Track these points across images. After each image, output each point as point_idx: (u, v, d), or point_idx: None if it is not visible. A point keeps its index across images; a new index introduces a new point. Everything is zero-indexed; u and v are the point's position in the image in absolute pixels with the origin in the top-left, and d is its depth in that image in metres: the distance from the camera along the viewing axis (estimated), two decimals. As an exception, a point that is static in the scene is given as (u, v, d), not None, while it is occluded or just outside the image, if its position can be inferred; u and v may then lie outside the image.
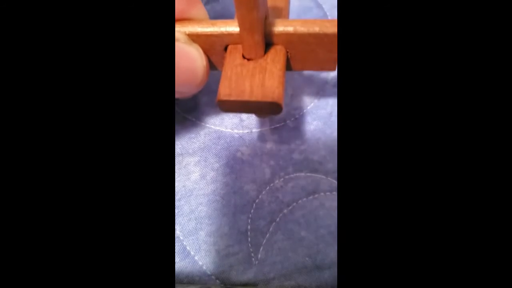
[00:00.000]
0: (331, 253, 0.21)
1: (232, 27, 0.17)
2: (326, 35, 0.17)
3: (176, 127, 0.25)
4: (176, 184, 0.24)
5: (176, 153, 0.24)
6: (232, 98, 0.15)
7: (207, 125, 0.25)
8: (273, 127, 0.24)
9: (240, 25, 0.15)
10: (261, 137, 0.24)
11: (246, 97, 0.14)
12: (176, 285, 0.21)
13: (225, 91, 0.15)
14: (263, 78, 0.16)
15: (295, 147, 0.24)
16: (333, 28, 0.17)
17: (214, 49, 0.18)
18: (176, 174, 0.24)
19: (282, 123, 0.24)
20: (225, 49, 0.18)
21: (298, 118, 0.24)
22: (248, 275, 0.21)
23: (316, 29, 0.17)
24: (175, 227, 0.23)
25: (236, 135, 0.24)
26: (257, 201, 0.23)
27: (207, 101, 0.25)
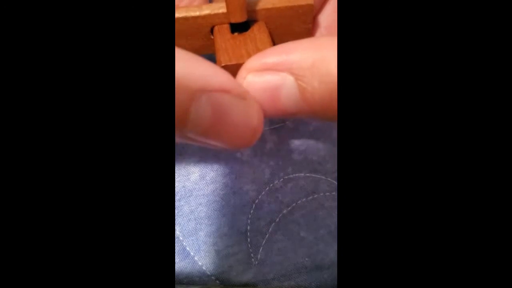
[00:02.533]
0: (331, 253, 0.21)
1: (217, 9, 0.18)
2: (300, 7, 0.19)
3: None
4: (176, 184, 0.24)
5: (176, 154, 0.24)
6: (233, 62, 0.16)
7: (207, 125, 0.25)
8: (272, 127, 0.24)
9: None
10: (261, 138, 0.24)
11: (245, 59, 0.15)
12: (176, 285, 0.21)
13: (224, 58, 0.17)
14: (255, 44, 0.18)
15: (295, 147, 0.24)
16: (306, 0, 0.19)
17: (201, 32, 0.19)
18: (175, 174, 0.24)
19: (282, 124, 0.24)
20: (211, 31, 0.19)
21: (297, 119, 0.25)
22: (247, 276, 0.21)
23: (291, 2, 0.19)
24: (175, 227, 0.23)
25: (236, 136, 0.24)
26: (256, 201, 0.23)
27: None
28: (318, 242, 0.21)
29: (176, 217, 0.23)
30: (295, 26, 0.20)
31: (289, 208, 0.23)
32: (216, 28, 0.19)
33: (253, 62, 0.13)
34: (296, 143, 0.24)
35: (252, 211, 0.23)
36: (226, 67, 0.16)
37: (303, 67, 0.13)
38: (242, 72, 0.14)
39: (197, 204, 0.23)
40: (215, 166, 0.24)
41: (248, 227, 0.22)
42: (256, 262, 0.21)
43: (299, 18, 0.19)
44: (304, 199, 0.23)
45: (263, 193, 0.23)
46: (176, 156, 0.24)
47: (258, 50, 0.17)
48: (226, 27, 0.19)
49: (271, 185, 0.23)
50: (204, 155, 0.24)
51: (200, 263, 0.22)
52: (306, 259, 0.21)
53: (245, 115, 0.13)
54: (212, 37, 0.19)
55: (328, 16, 0.21)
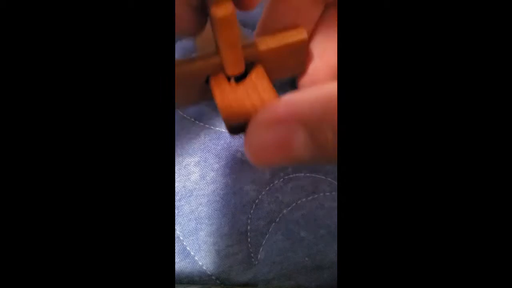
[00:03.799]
0: (331, 253, 0.21)
1: (211, 59, 0.18)
2: (294, 43, 0.19)
3: (176, 128, 0.25)
4: (176, 184, 0.24)
5: (176, 154, 0.24)
6: (241, 121, 0.16)
7: (207, 125, 0.25)
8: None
9: (222, 44, 0.16)
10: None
11: (252, 114, 0.15)
12: (176, 285, 0.21)
13: (231, 117, 0.16)
14: (258, 94, 0.17)
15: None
16: (299, 35, 0.19)
17: (196, 82, 0.18)
18: (176, 174, 0.24)
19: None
20: (206, 81, 0.18)
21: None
22: (248, 275, 0.21)
23: (285, 40, 0.18)
24: (175, 227, 0.23)
25: (236, 136, 0.24)
26: (257, 201, 0.23)
27: (207, 101, 0.25)
28: (318, 242, 0.21)
29: (176, 217, 0.23)
30: (290, 62, 0.20)
31: (289, 208, 0.23)
32: (212, 79, 0.18)
33: (262, 118, 0.13)
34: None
35: (252, 211, 0.23)
36: (233, 125, 0.16)
37: (314, 119, 0.13)
38: (252, 128, 0.14)
39: (198, 204, 0.23)
40: (216, 166, 0.24)
41: (249, 227, 0.22)
42: (256, 262, 0.21)
43: (293, 54, 0.19)
44: (304, 199, 0.23)
45: (263, 193, 0.23)
46: (176, 156, 0.24)
47: (262, 100, 0.17)
48: (222, 76, 0.18)
49: (271, 185, 0.23)
50: (204, 155, 0.24)
51: (200, 263, 0.22)
52: (306, 259, 0.21)
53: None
54: (208, 85, 0.18)
55: (320, 43, 0.21)
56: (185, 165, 0.24)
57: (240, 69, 0.17)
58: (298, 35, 0.19)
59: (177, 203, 0.23)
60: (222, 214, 0.23)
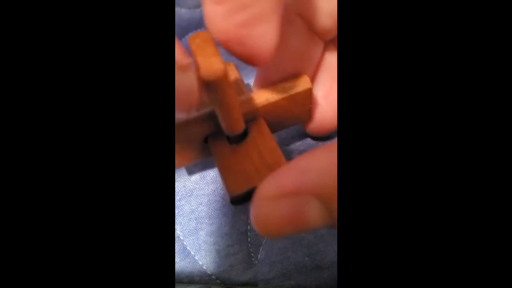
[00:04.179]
0: (331, 252, 0.21)
1: (209, 119, 0.16)
2: (298, 94, 0.17)
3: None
4: (177, 184, 0.24)
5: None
6: (244, 190, 0.15)
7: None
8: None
9: (218, 107, 0.15)
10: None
11: (256, 182, 0.13)
12: (176, 284, 0.21)
13: (234, 187, 0.15)
14: (261, 155, 0.16)
15: (294, 147, 0.24)
16: (303, 85, 0.17)
17: (195, 142, 0.17)
18: (176, 174, 0.24)
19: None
20: (206, 141, 0.17)
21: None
22: (248, 275, 0.21)
23: (287, 92, 0.17)
24: (176, 227, 0.23)
25: (236, 135, 0.24)
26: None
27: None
28: (318, 241, 0.21)
29: (176, 216, 0.23)
30: (295, 112, 0.18)
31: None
32: (210, 141, 0.17)
33: (268, 189, 0.12)
34: (296, 143, 0.24)
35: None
36: (237, 196, 0.15)
37: (326, 187, 0.12)
38: (258, 201, 0.12)
39: (198, 204, 0.23)
40: (215, 166, 0.24)
41: (249, 227, 0.22)
42: (257, 262, 0.21)
43: (297, 104, 0.18)
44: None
45: (263, 192, 0.23)
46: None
47: (266, 162, 0.16)
48: (221, 137, 0.17)
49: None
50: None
51: (200, 263, 0.22)
52: (306, 258, 0.21)
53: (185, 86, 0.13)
54: (207, 144, 0.17)
55: (324, 85, 0.19)
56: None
57: (239, 129, 0.16)
58: (301, 84, 0.17)
59: (177, 203, 0.23)
60: (222, 214, 0.23)
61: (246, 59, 0.14)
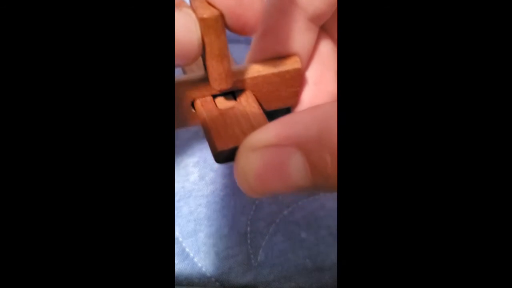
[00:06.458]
0: (332, 254, 0.21)
1: (197, 80, 0.17)
2: (287, 72, 0.18)
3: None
4: (175, 185, 0.23)
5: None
6: (230, 146, 0.15)
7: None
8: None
9: (208, 54, 0.15)
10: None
11: (241, 139, 0.13)
12: (175, 287, 0.21)
13: (220, 143, 0.15)
14: (249, 120, 0.16)
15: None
16: (294, 64, 0.18)
17: (181, 106, 0.17)
18: (175, 175, 0.24)
19: None
20: (192, 104, 0.17)
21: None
22: (248, 277, 0.21)
23: (278, 68, 0.18)
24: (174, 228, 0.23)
25: (236, 136, 0.24)
26: (256, 202, 0.23)
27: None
28: (319, 243, 0.21)
29: (175, 218, 0.23)
30: (282, 91, 0.19)
31: (290, 209, 0.22)
32: (198, 102, 0.17)
33: (253, 140, 0.12)
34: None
35: (252, 212, 0.22)
36: (222, 152, 0.15)
37: (310, 139, 0.11)
38: (243, 152, 0.12)
39: (197, 205, 0.23)
40: (215, 167, 0.24)
41: (248, 228, 0.22)
42: (256, 264, 0.21)
43: (286, 83, 0.18)
44: (305, 200, 0.23)
45: (263, 193, 0.23)
46: (175, 157, 0.24)
47: (253, 127, 0.16)
48: (210, 99, 0.17)
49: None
50: (203, 155, 0.24)
51: (199, 265, 0.21)
52: (307, 260, 0.21)
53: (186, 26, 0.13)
54: (194, 110, 0.17)
55: (316, 71, 0.20)
56: (184, 165, 0.24)
57: (227, 84, 0.16)
58: (292, 63, 0.18)
59: (176, 204, 0.23)
60: (221, 215, 0.22)
61: (235, 28, 0.15)
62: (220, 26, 0.14)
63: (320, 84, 0.20)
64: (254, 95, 0.18)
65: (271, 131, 0.12)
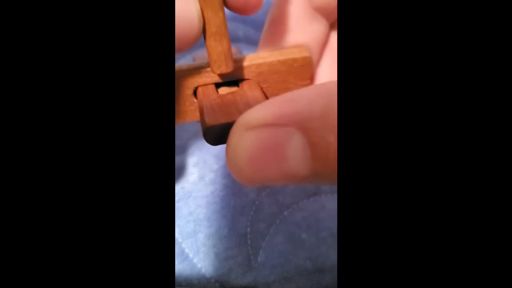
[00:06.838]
0: (333, 255, 0.21)
1: (198, 66, 0.16)
2: (295, 60, 0.16)
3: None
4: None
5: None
6: (221, 121, 0.13)
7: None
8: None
9: (206, 33, 0.15)
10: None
11: (236, 117, 0.12)
12: (174, 288, 0.21)
13: (210, 118, 0.14)
14: (247, 101, 0.15)
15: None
16: (301, 53, 0.17)
17: (182, 94, 0.16)
18: (174, 175, 0.24)
19: None
20: (194, 94, 0.17)
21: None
22: (248, 278, 0.21)
23: (284, 56, 0.17)
24: (173, 229, 0.22)
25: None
26: (257, 203, 0.23)
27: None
28: (320, 244, 0.21)
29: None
30: (291, 84, 0.17)
31: (290, 210, 0.22)
32: (199, 89, 0.16)
33: (249, 117, 0.11)
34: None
35: (252, 213, 0.22)
36: (212, 128, 0.13)
37: (312, 117, 0.10)
38: (236, 130, 0.11)
39: (196, 206, 0.23)
40: (215, 167, 0.24)
41: (248, 229, 0.22)
42: (256, 265, 0.21)
43: (295, 74, 0.17)
44: (305, 201, 0.22)
45: (263, 194, 0.23)
46: (175, 157, 0.24)
47: (250, 106, 0.14)
48: (211, 87, 0.16)
49: (272, 186, 0.23)
50: (203, 156, 0.24)
51: (199, 266, 0.21)
52: (307, 261, 0.21)
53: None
54: (196, 100, 0.17)
55: (328, 68, 0.19)
56: (183, 166, 0.24)
57: (227, 66, 0.15)
58: (300, 52, 0.17)
59: (175, 205, 0.23)
60: (221, 216, 0.22)
61: (237, 8, 0.14)
62: (217, 1, 0.14)
63: (334, 79, 0.19)
64: (259, 85, 0.17)
65: (269, 108, 0.11)
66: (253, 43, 0.32)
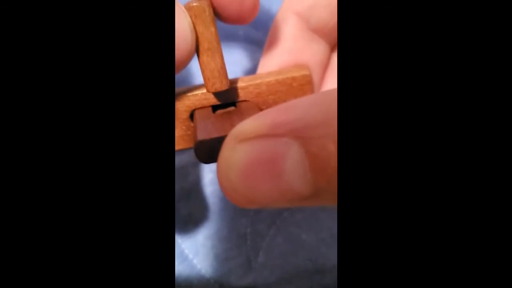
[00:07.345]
0: (333, 256, 0.21)
1: (195, 89, 0.16)
2: (294, 79, 0.16)
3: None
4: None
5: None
6: (213, 136, 0.13)
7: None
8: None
9: (200, 47, 0.14)
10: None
11: (229, 131, 0.11)
12: (174, 289, 0.21)
13: (202, 133, 0.13)
14: (243, 119, 0.14)
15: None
16: (300, 71, 0.16)
17: (178, 118, 0.16)
18: (174, 175, 0.24)
19: None
20: (190, 116, 0.16)
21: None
22: (247, 279, 0.21)
23: (283, 75, 0.16)
24: (173, 230, 0.22)
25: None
26: (256, 203, 0.23)
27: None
28: (320, 245, 0.21)
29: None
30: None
31: (290, 210, 0.22)
32: (196, 112, 0.16)
33: (242, 128, 0.10)
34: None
35: (252, 214, 0.22)
36: (203, 142, 0.13)
37: (310, 125, 0.09)
38: (228, 142, 0.10)
39: (196, 206, 0.23)
40: (214, 167, 0.23)
41: (248, 230, 0.22)
42: (256, 266, 0.21)
43: (295, 94, 0.16)
44: (305, 201, 0.22)
45: (263, 194, 0.23)
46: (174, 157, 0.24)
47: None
48: (208, 109, 0.16)
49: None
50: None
51: (198, 267, 0.21)
52: (308, 262, 0.21)
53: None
54: (193, 124, 0.16)
55: (333, 86, 0.18)
56: (183, 166, 0.24)
57: (221, 84, 0.15)
58: (298, 70, 0.16)
59: (175, 205, 0.23)
60: (220, 217, 0.22)
61: (232, 19, 0.14)
62: (208, 16, 0.14)
63: None
64: (258, 107, 0.16)
65: (263, 118, 0.10)
66: (253, 42, 0.31)
